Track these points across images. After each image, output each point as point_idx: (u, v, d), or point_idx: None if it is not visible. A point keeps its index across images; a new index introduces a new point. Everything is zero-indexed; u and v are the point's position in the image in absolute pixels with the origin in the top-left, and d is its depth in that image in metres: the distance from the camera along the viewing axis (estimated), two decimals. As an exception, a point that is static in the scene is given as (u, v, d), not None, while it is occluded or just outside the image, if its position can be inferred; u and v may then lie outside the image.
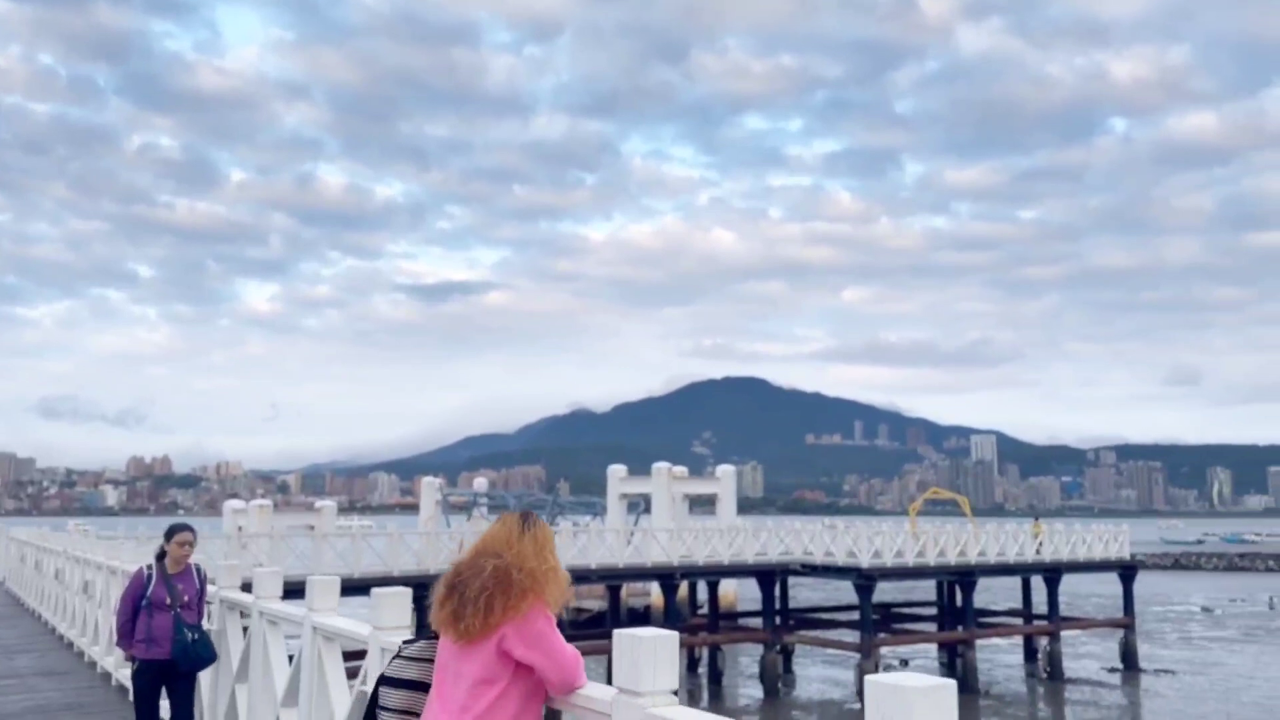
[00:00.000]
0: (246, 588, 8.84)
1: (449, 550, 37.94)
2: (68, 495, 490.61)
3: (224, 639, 8.68)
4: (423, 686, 4.09)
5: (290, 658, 7.08)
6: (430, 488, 72.98)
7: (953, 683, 2.74)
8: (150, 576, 8.39)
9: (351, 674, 6.36)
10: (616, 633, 3.76)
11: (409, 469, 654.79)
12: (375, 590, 5.76)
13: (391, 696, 4.17)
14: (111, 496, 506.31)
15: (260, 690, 7.44)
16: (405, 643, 4.38)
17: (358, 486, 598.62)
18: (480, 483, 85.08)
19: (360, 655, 5.85)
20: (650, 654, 3.61)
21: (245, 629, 8.33)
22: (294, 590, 8.67)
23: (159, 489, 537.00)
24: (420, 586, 29.67)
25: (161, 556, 8.54)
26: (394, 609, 5.65)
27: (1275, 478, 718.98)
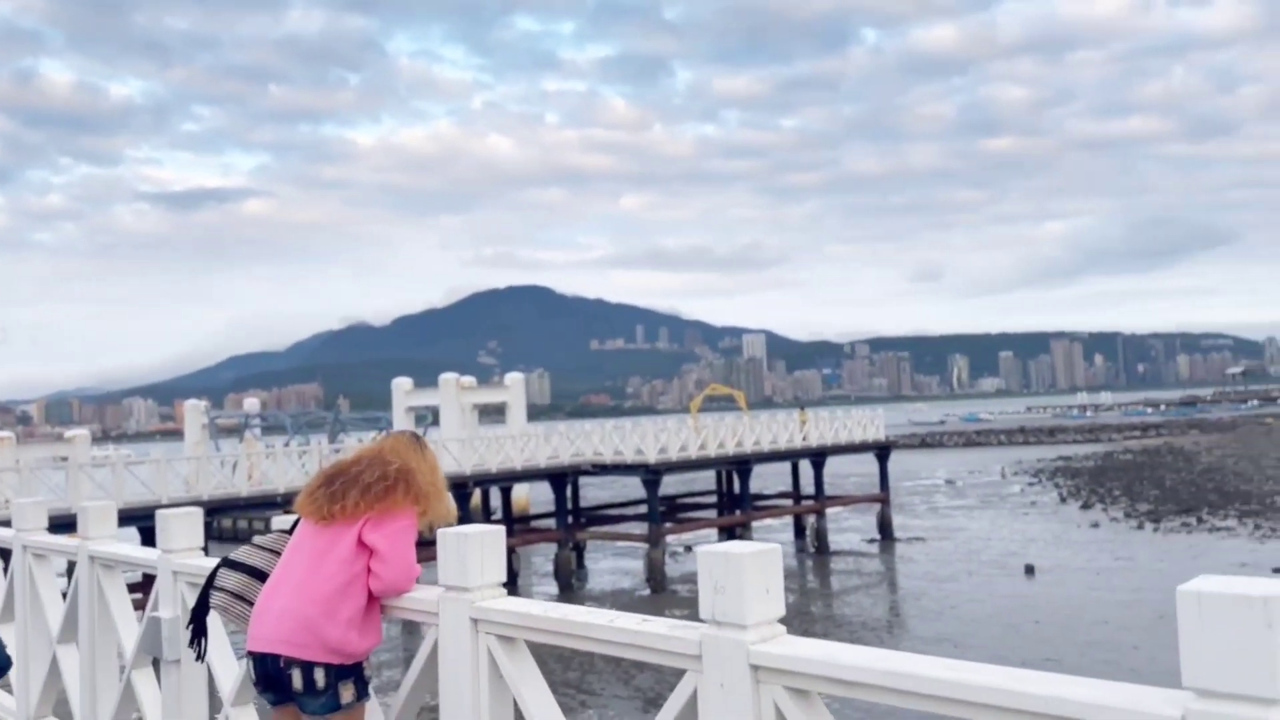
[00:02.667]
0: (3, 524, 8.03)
1: (221, 475, 36.05)
2: None
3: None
4: (262, 575, 3.96)
5: (64, 596, 6.54)
6: (195, 411, 68.26)
7: (778, 546, 2.92)
8: None
9: (139, 606, 5.98)
10: (441, 533, 3.73)
11: (167, 393, 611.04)
12: (161, 511, 5.37)
13: (229, 578, 4.03)
14: None
15: (32, 629, 6.84)
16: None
17: (110, 414, 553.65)
18: (251, 403, 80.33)
19: (148, 586, 5.50)
20: (477, 549, 3.60)
21: (4, 568, 7.59)
22: (55, 527, 7.93)
23: None
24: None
25: None
26: (185, 529, 5.31)
27: (1005, 362, 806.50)
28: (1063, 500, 64.05)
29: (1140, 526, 50.48)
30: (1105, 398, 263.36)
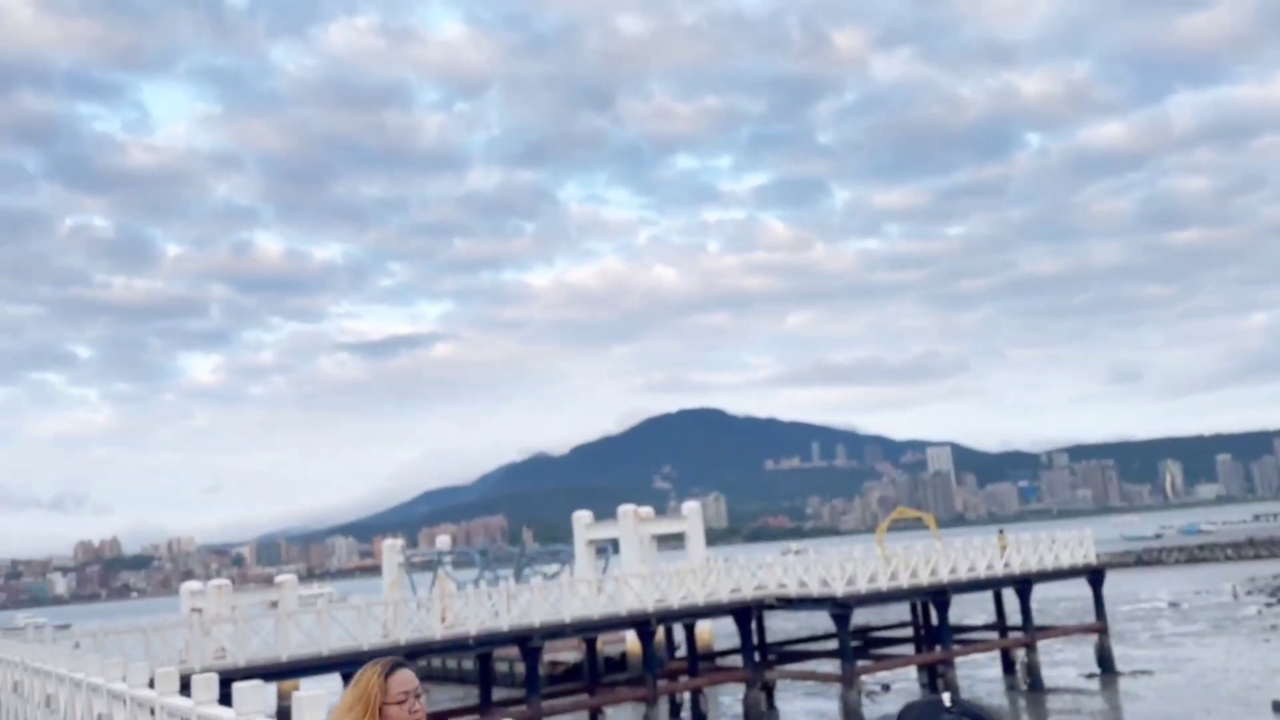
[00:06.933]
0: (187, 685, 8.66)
1: (418, 619, 37.09)
2: (14, 587, 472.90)
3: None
4: None
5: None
6: (391, 550, 71.54)
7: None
8: None
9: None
10: None
11: (366, 530, 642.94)
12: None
13: None
14: (61, 584, 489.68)
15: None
16: None
17: (315, 553, 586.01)
18: (443, 540, 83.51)
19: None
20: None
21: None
22: (265, 674, 8.42)
23: (110, 572, 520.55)
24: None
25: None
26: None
27: (1224, 466, 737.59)
28: (1312, 624, 57.05)
29: None
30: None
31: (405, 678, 4.39)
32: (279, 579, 55.21)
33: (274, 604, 48.87)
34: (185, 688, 9.38)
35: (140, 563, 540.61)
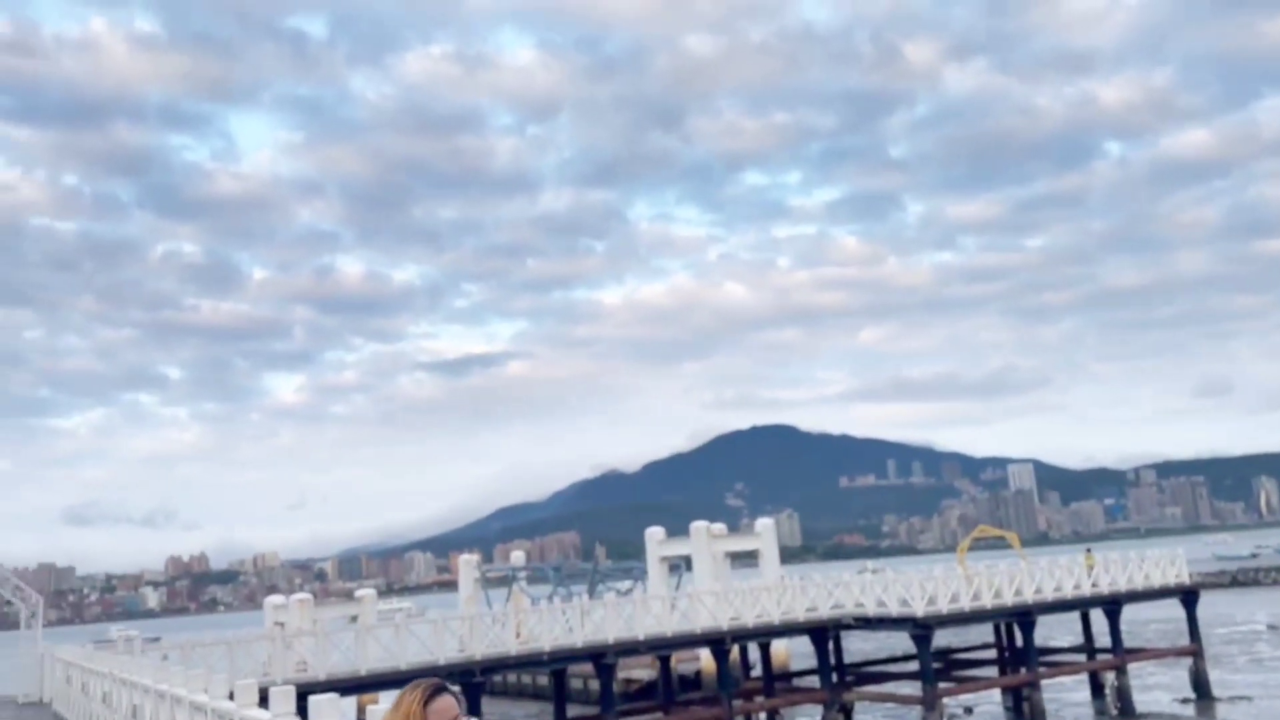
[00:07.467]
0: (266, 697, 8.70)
1: (493, 634, 37.27)
2: (109, 601, 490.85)
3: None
4: None
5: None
6: (468, 565, 72.47)
7: None
8: None
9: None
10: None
11: (443, 545, 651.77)
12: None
13: None
14: (152, 598, 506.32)
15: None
16: None
17: (394, 567, 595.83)
18: (517, 556, 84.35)
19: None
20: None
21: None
22: (344, 688, 8.49)
23: (198, 587, 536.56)
24: (465, 674, 28.85)
25: None
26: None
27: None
28: None
29: None
30: None
31: (446, 704, 4.26)
32: (359, 594, 56.18)
33: (354, 618, 49.72)
34: (265, 700, 9.49)
35: (227, 577, 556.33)
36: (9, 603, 41.66)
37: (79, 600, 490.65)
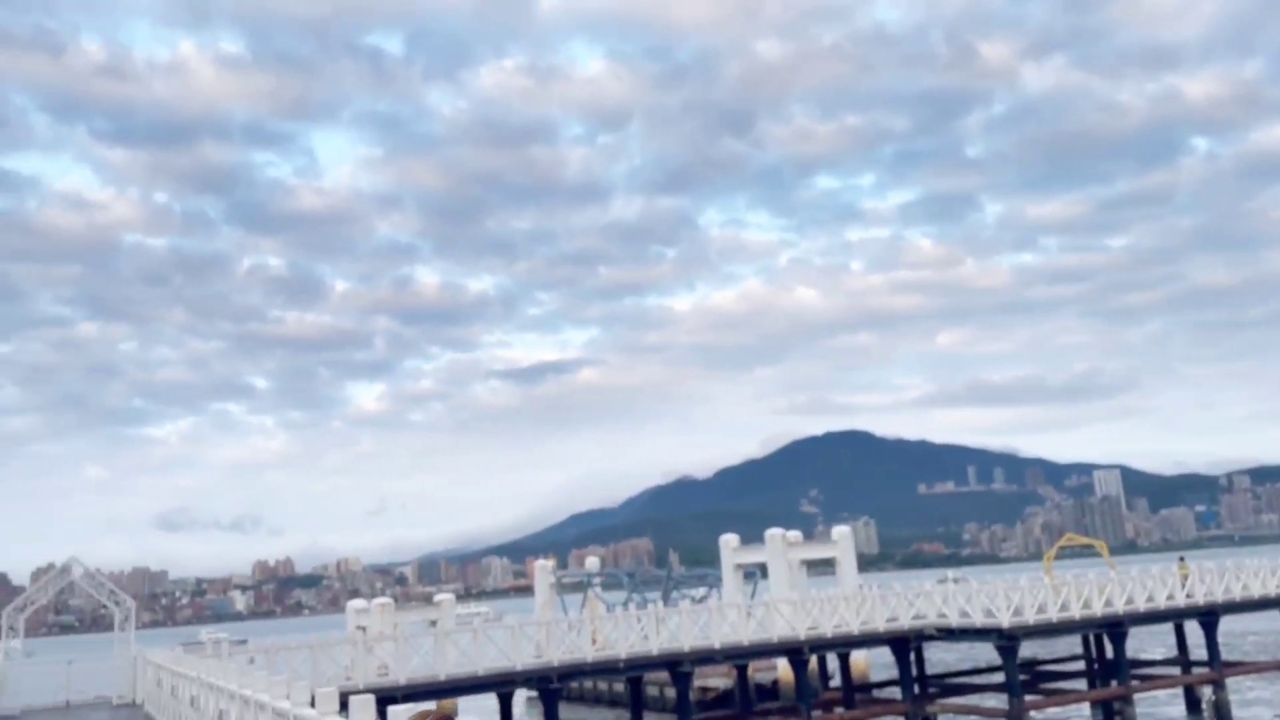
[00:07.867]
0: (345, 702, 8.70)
1: (569, 640, 37.34)
2: (199, 604, 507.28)
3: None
4: None
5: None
6: (544, 571, 72.93)
7: None
8: None
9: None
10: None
11: (519, 551, 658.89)
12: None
13: None
14: (240, 601, 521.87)
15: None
16: None
17: (471, 572, 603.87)
18: (592, 562, 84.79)
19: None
20: None
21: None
22: (424, 692, 8.45)
23: (284, 590, 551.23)
24: (542, 680, 28.83)
25: None
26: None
27: None
28: None
29: None
30: None
31: None
32: (438, 598, 56.91)
33: (433, 622, 50.38)
34: (345, 705, 9.54)
35: (311, 581, 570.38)
36: (105, 606, 43.16)
37: (171, 603, 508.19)
